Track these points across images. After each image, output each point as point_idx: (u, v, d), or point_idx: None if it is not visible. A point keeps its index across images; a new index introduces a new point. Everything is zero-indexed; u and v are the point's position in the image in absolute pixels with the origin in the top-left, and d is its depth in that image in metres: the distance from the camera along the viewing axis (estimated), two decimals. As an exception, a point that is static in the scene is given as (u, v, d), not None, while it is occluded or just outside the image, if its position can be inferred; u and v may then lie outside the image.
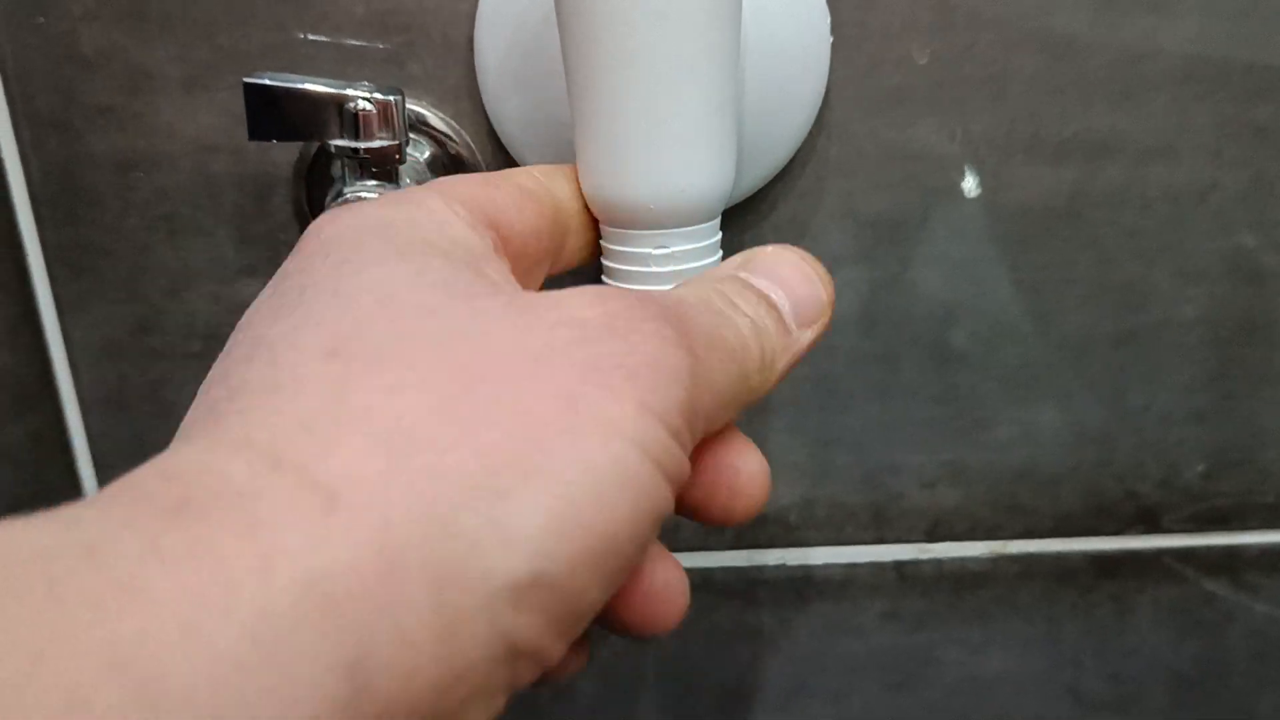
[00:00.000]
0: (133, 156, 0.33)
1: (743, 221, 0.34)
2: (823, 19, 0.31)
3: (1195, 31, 0.32)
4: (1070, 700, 0.42)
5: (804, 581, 0.40)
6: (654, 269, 0.28)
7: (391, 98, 0.30)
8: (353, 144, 0.30)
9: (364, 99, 0.29)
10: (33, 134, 0.33)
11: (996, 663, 0.41)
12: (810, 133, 0.33)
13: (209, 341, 0.36)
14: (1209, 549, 0.39)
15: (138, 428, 0.37)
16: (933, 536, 0.39)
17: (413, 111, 0.33)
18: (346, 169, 0.30)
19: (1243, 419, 0.37)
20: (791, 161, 0.33)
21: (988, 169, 0.34)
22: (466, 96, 0.33)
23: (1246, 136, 0.34)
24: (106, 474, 0.37)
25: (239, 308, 0.34)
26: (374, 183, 0.30)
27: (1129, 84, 0.33)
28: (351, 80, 0.31)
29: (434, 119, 0.33)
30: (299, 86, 0.29)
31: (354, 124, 0.30)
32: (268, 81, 0.29)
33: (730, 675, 0.41)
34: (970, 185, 0.34)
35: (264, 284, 0.36)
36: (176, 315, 0.35)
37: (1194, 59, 0.33)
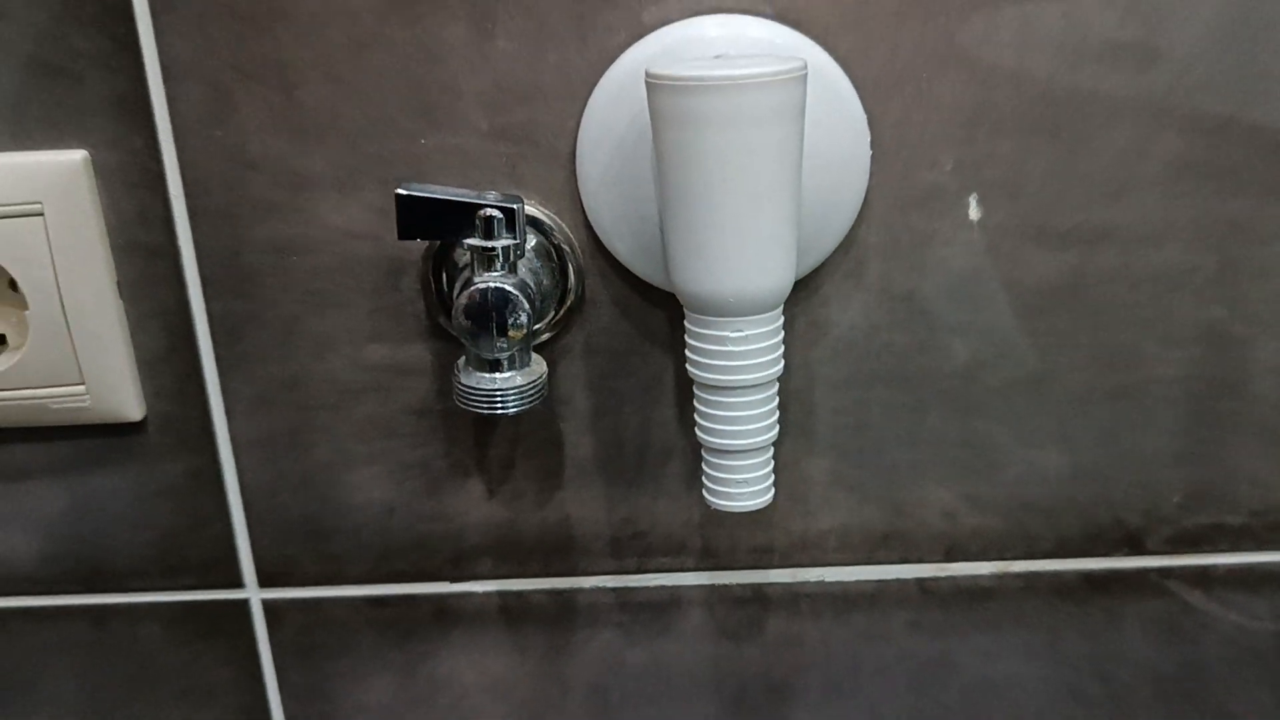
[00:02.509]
0: (289, 243, 0.39)
1: (796, 296, 0.39)
2: (864, 136, 0.37)
3: (1179, 142, 0.38)
4: (1069, 699, 0.47)
5: (840, 595, 0.45)
6: (730, 348, 0.34)
7: (514, 206, 0.35)
8: (483, 243, 0.35)
9: (493, 207, 0.35)
10: (205, 223, 0.39)
11: (1005, 666, 0.46)
12: (854, 225, 0.38)
13: (343, 396, 0.41)
14: (1185, 568, 0.44)
15: (281, 468, 0.42)
16: (950, 557, 0.44)
17: (522, 207, 0.38)
18: (476, 261, 0.35)
19: (1214, 459, 0.42)
20: (838, 248, 0.39)
21: (1003, 253, 0.39)
22: (567, 196, 0.38)
23: (1221, 227, 0.39)
24: (253, 506, 0.43)
25: (371, 368, 0.40)
26: (498, 273, 0.35)
27: (1122, 184, 0.38)
28: (481, 185, 0.36)
29: (540, 214, 0.38)
30: (440, 197, 0.35)
31: (486, 227, 0.35)
32: (416, 192, 0.35)
33: (777, 676, 0.46)
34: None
35: (392, 349, 0.42)
36: (318, 374, 0.41)
37: (1177, 164, 0.38)
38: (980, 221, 0.39)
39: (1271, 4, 0.36)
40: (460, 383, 0.36)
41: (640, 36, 0.36)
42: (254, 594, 0.45)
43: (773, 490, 0.36)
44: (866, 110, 0.37)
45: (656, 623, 0.45)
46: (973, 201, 0.39)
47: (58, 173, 0.37)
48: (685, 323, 0.35)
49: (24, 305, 0.39)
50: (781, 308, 0.34)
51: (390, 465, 0.42)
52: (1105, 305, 0.40)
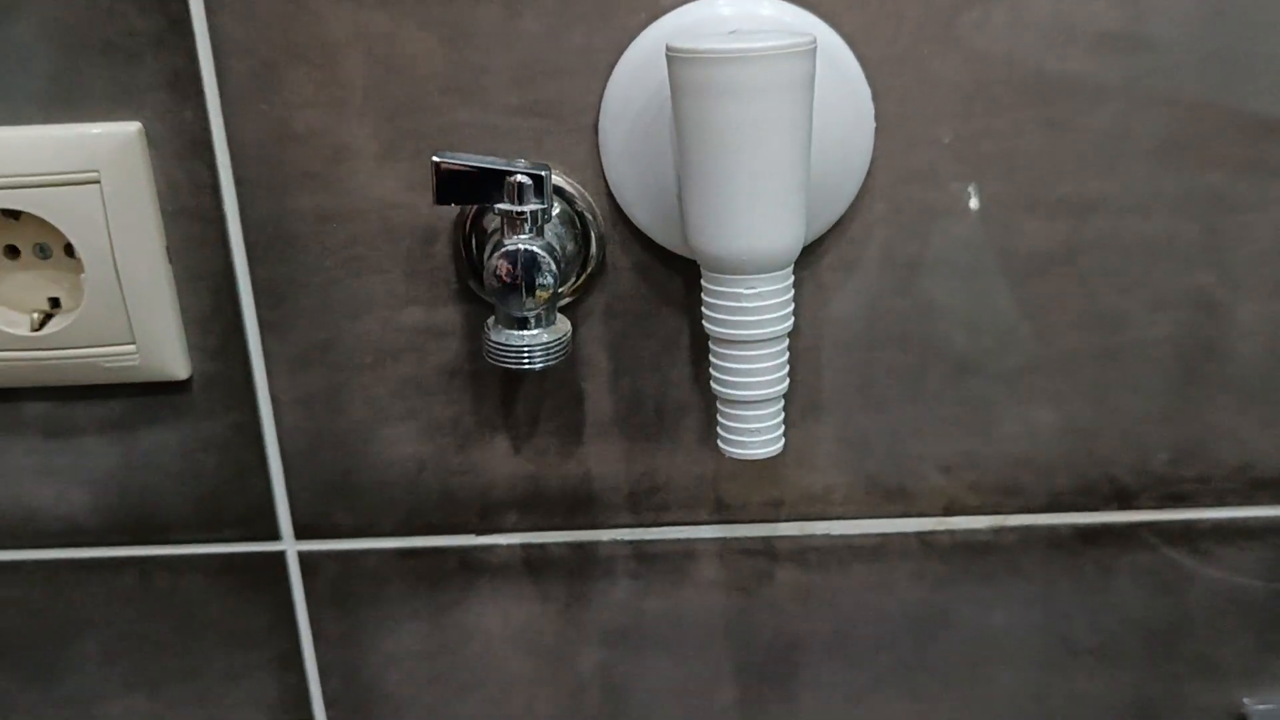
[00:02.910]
0: (330, 211, 0.41)
1: (805, 261, 0.42)
2: (868, 111, 0.39)
3: (1165, 117, 0.40)
4: (1061, 647, 0.49)
5: (845, 547, 0.47)
6: (744, 304, 0.36)
7: (543, 172, 0.37)
8: (513, 208, 0.37)
9: (522, 174, 0.37)
10: (251, 192, 0.41)
11: (1001, 615, 0.48)
12: (859, 195, 0.40)
13: (378, 355, 0.43)
14: (1172, 523, 0.46)
15: (318, 424, 0.44)
16: (949, 511, 0.46)
17: (548, 177, 0.40)
18: (505, 225, 0.38)
19: (1199, 418, 0.44)
20: (844, 216, 0.41)
21: (999, 222, 0.41)
22: (590, 167, 0.40)
23: (1203, 197, 0.41)
24: (291, 462, 0.45)
25: (404, 330, 0.43)
26: (526, 236, 0.38)
27: (1111, 158, 0.40)
28: (509, 157, 0.39)
29: (564, 184, 0.40)
30: (474, 165, 0.37)
31: (515, 192, 0.37)
32: (451, 160, 0.37)
33: (786, 625, 0.48)
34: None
35: (426, 311, 0.44)
36: (355, 336, 0.43)
37: (1161, 139, 0.40)
38: (980, 192, 0.41)
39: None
40: (490, 339, 0.39)
41: (658, 16, 0.39)
42: (290, 546, 0.47)
43: (783, 439, 0.39)
44: (871, 86, 0.39)
45: (672, 574, 0.47)
46: (972, 191, 0.41)
47: (113, 143, 0.40)
48: (702, 281, 0.37)
49: (79, 269, 0.41)
50: (791, 268, 0.37)
51: (422, 422, 0.44)
52: (1095, 271, 0.42)
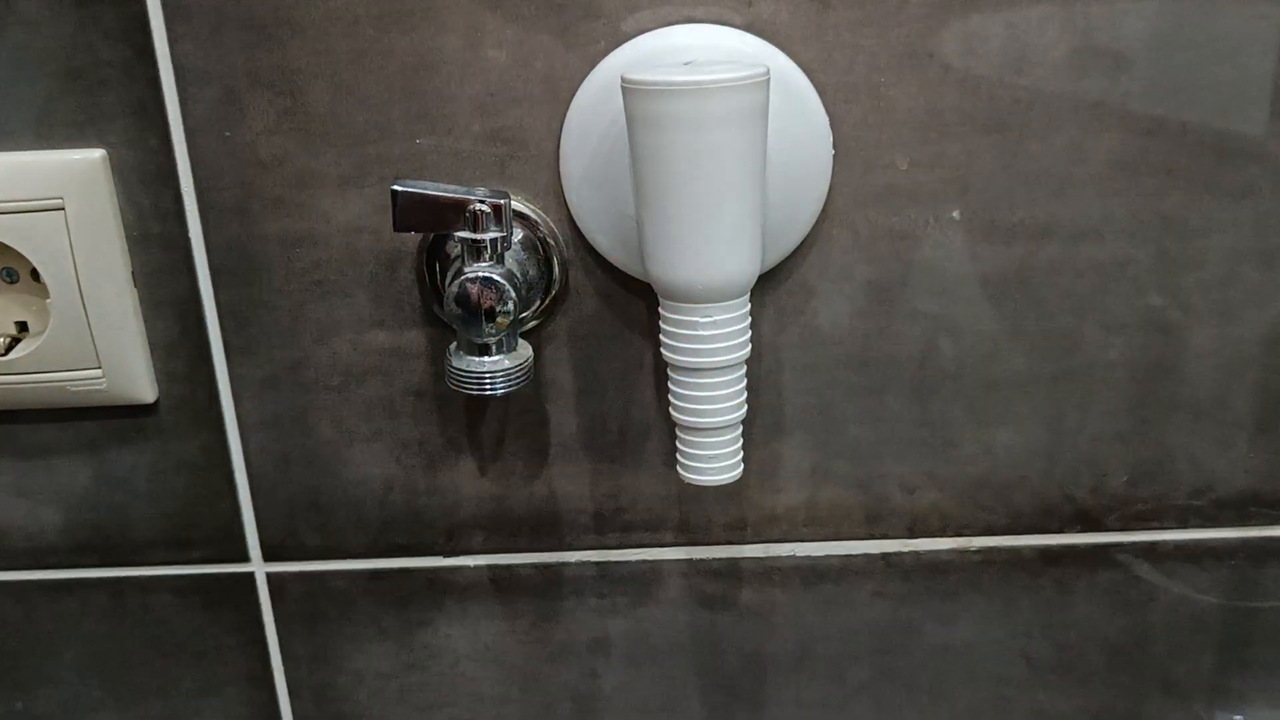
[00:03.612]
0: (296, 236, 0.41)
1: (766, 285, 0.42)
2: (826, 138, 0.39)
3: (1116, 143, 0.40)
4: (1023, 664, 0.49)
5: (810, 568, 0.47)
6: (701, 332, 0.36)
7: (501, 201, 0.37)
8: (472, 235, 0.37)
9: (480, 202, 0.37)
10: (215, 218, 0.41)
11: (964, 633, 0.48)
12: (818, 220, 0.40)
13: (345, 378, 0.43)
14: (1132, 543, 0.46)
15: (286, 445, 0.44)
16: (912, 533, 0.46)
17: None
18: (466, 252, 0.37)
19: (1156, 439, 0.44)
20: (803, 241, 0.41)
21: (955, 247, 0.41)
22: (552, 193, 0.40)
23: (1155, 222, 0.41)
24: (259, 484, 0.45)
25: (370, 352, 0.42)
26: (486, 264, 0.37)
27: (1064, 182, 0.40)
28: (472, 183, 0.39)
29: (526, 210, 0.40)
30: (433, 193, 0.37)
31: (474, 221, 0.37)
32: (410, 188, 0.37)
33: (751, 644, 0.48)
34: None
35: (391, 335, 0.43)
36: (322, 358, 0.43)
37: (1114, 163, 0.40)
38: (935, 216, 0.41)
39: (1198, 19, 0.38)
40: (452, 365, 0.39)
41: (618, 44, 0.38)
42: (259, 567, 0.46)
43: (741, 466, 0.38)
44: (828, 113, 0.39)
45: (637, 594, 0.47)
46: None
47: (78, 170, 0.39)
48: (659, 309, 0.37)
49: (45, 294, 0.41)
50: (748, 295, 0.37)
51: (389, 444, 0.44)
52: (1050, 294, 0.42)
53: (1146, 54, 0.39)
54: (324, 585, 0.47)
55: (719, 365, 0.36)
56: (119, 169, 0.40)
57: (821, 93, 0.39)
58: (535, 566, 0.47)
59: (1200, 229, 0.41)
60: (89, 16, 0.38)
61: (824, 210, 0.40)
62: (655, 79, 0.33)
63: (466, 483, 0.45)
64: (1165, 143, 0.40)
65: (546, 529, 0.46)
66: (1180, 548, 0.47)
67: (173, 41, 0.38)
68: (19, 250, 0.40)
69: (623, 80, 0.34)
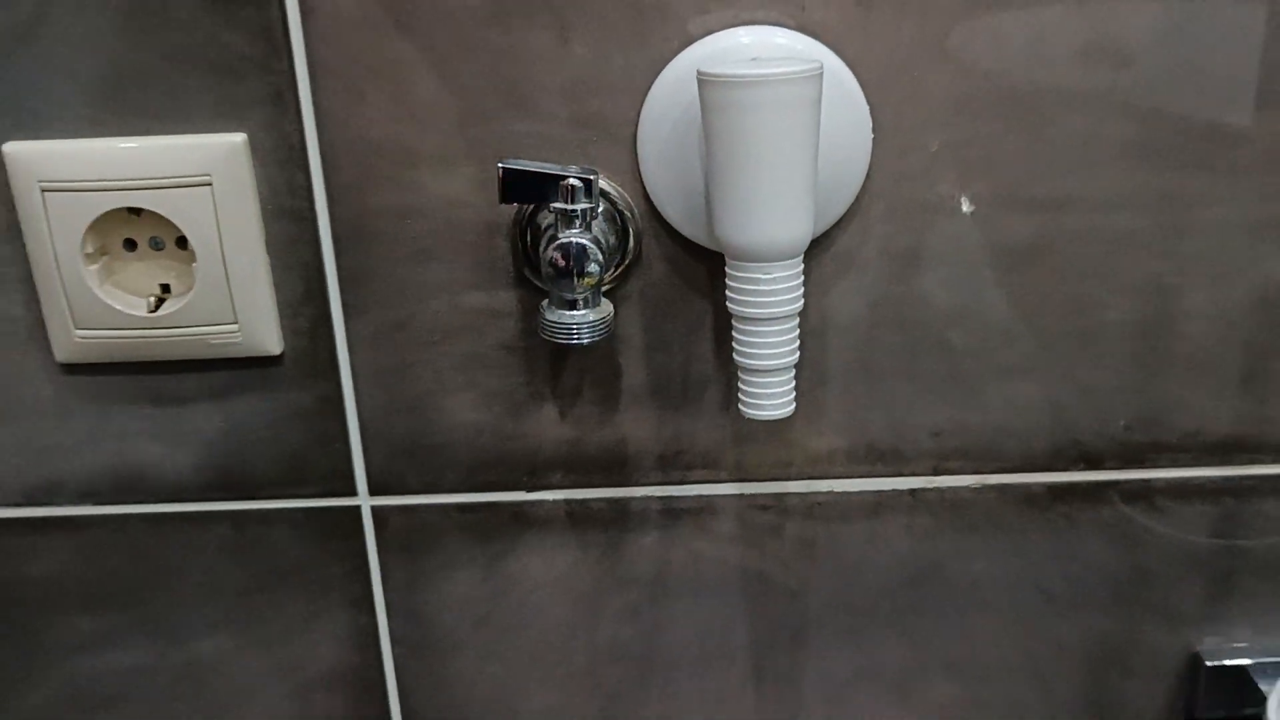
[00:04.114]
0: (405, 209, 0.46)
1: (813, 253, 0.47)
2: (867, 123, 0.44)
3: (1122, 128, 0.45)
4: (1035, 592, 0.54)
5: (847, 504, 0.52)
6: (762, 286, 0.41)
7: (591, 177, 0.42)
8: (566, 206, 0.43)
9: (574, 178, 0.42)
10: (338, 194, 0.46)
11: (983, 564, 0.53)
12: (859, 195, 0.46)
13: (444, 334, 0.49)
14: (1130, 481, 0.51)
15: (391, 394, 0.50)
16: (937, 471, 0.51)
17: (593, 180, 0.46)
18: (559, 221, 0.43)
19: (1154, 390, 0.49)
20: (846, 213, 0.46)
21: (982, 219, 0.46)
22: (629, 172, 0.46)
23: (1159, 195, 0.46)
24: (367, 428, 0.50)
25: (466, 312, 0.48)
26: (577, 230, 0.43)
27: (1080, 161, 0.45)
28: (561, 164, 0.44)
29: (607, 186, 0.46)
30: (533, 170, 0.42)
31: (568, 193, 0.42)
32: (514, 165, 0.42)
33: (794, 572, 0.53)
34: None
35: (485, 296, 0.49)
36: (425, 317, 0.48)
37: (1124, 145, 0.45)
38: (962, 192, 0.46)
39: (1199, 17, 0.43)
40: (545, 319, 0.44)
41: (688, 43, 0.44)
42: (365, 501, 0.52)
43: (794, 404, 0.44)
44: (869, 102, 0.44)
45: (695, 526, 0.53)
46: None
47: (222, 151, 0.45)
48: (726, 268, 0.42)
49: (188, 259, 0.47)
50: (801, 256, 0.42)
51: (481, 393, 0.50)
52: (1066, 261, 0.47)
53: (1149, 49, 0.44)
54: (420, 518, 0.52)
55: (777, 315, 0.41)
56: (257, 151, 0.46)
57: (863, 85, 0.44)
58: (606, 501, 0.52)
59: (1198, 202, 0.46)
60: (234, 19, 0.44)
61: (864, 186, 0.46)
62: (728, 72, 0.38)
63: (547, 427, 0.51)
64: (1164, 128, 0.45)
65: (616, 468, 0.51)
66: (1171, 485, 0.52)
67: (306, 40, 0.44)
68: (172, 221, 0.45)
69: (699, 73, 0.39)
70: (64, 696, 0.56)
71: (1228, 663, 0.55)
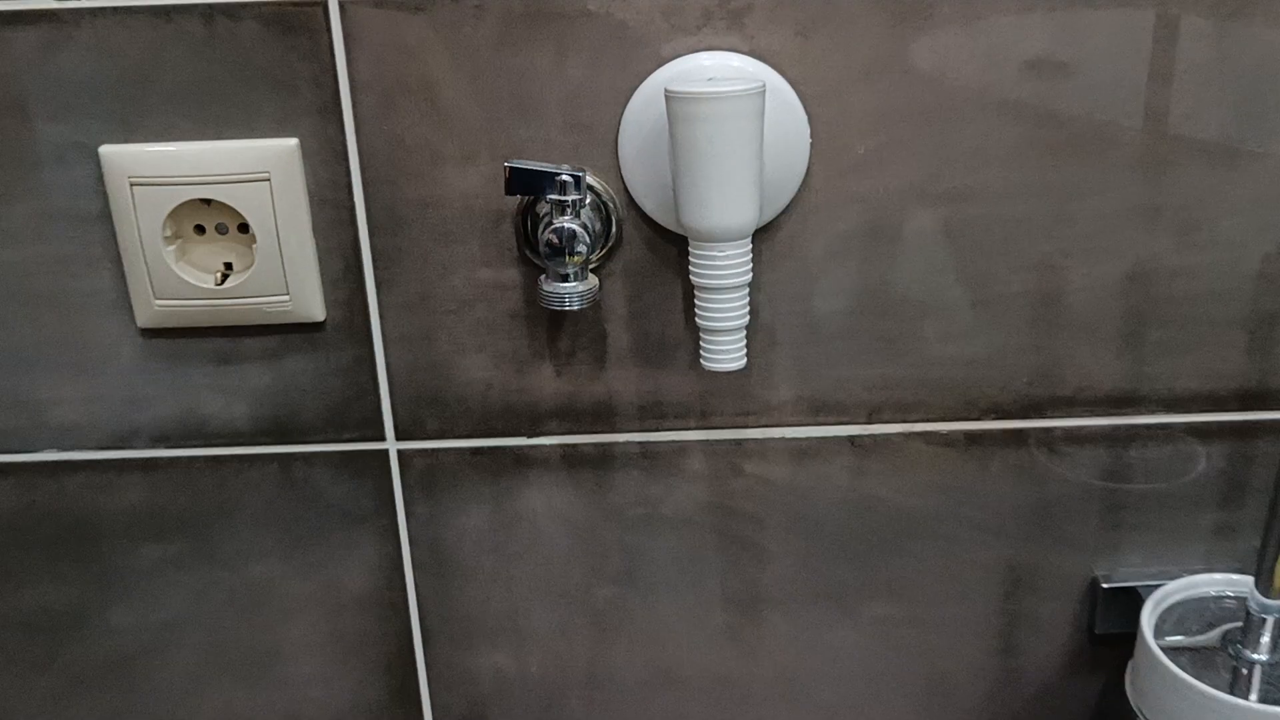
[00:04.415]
0: (428, 200, 0.56)
1: (763, 235, 0.57)
2: (805, 130, 0.54)
3: (1016, 131, 0.55)
4: (958, 524, 0.64)
5: (796, 448, 0.62)
6: (718, 261, 0.51)
7: (580, 173, 0.52)
8: (560, 197, 0.52)
9: (566, 175, 0.52)
10: (372, 188, 0.56)
11: (913, 499, 0.63)
12: (800, 189, 0.55)
13: (460, 304, 0.58)
14: (1033, 429, 0.61)
15: (415, 355, 0.59)
16: (871, 420, 0.61)
17: (582, 176, 0.55)
18: (554, 210, 0.53)
19: (1050, 351, 0.59)
20: (790, 203, 0.56)
21: (899, 208, 0.56)
22: (612, 169, 0.55)
23: (1047, 188, 0.56)
24: (395, 383, 0.60)
25: (479, 285, 0.58)
26: (568, 217, 0.52)
27: (981, 159, 0.55)
28: (556, 163, 0.54)
29: (593, 181, 0.55)
30: (533, 168, 0.52)
31: (561, 187, 0.52)
32: (518, 164, 0.52)
33: (752, 505, 0.63)
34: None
35: (494, 272, 0.58)
36: (444, 290, 0.58)
37: (1018, 144, 0.55)
38: (884, 186, 0.56)
39: (1078, 38, 0.53)
40: (543, 289, 0.54)
41: (660, 65, 0.53)
42: (392, 445, 0.62)
43: (745, 359, 0.54)
44: (807, 113, 0.54)
45: (669, 466, 0.62)
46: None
47: (279, 153, 0.55)
48: (689, 248, 0.52)
49: (248, 241, 0.56)
50: (750, 237, 0.52)
51: (490, 354, 0.59)
52: (972, 243, 0.57)
53: (1036, 65, 0.54)
54: (439, 459, 0.62)
55: (730, 285, 0.51)
56: (307, 152, 0.55)
57: (803, 100, 0.54)
58: (594, 445, 0.62)
59: (1078, 193, 0.56)
60: (291, 45, 0.53)
61: (804, 182, 0.55)
62: (690, 90, 0.48)
63: (545, 382, 0.60)
64: (1053, 131, 0.55)
65: (603, 417, 0.61)
66: (1068, 433, 0.62)
67: (349, 62, 0.53)
68: (238, 210, 0.55)
69: (666, 91, 0.49)
70: (137, 613, 0.66)
71: (1120, 584, 0.65)
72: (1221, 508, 0.64)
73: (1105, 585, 0.65)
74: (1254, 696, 0.56)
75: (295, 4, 0.52)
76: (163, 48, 0.53)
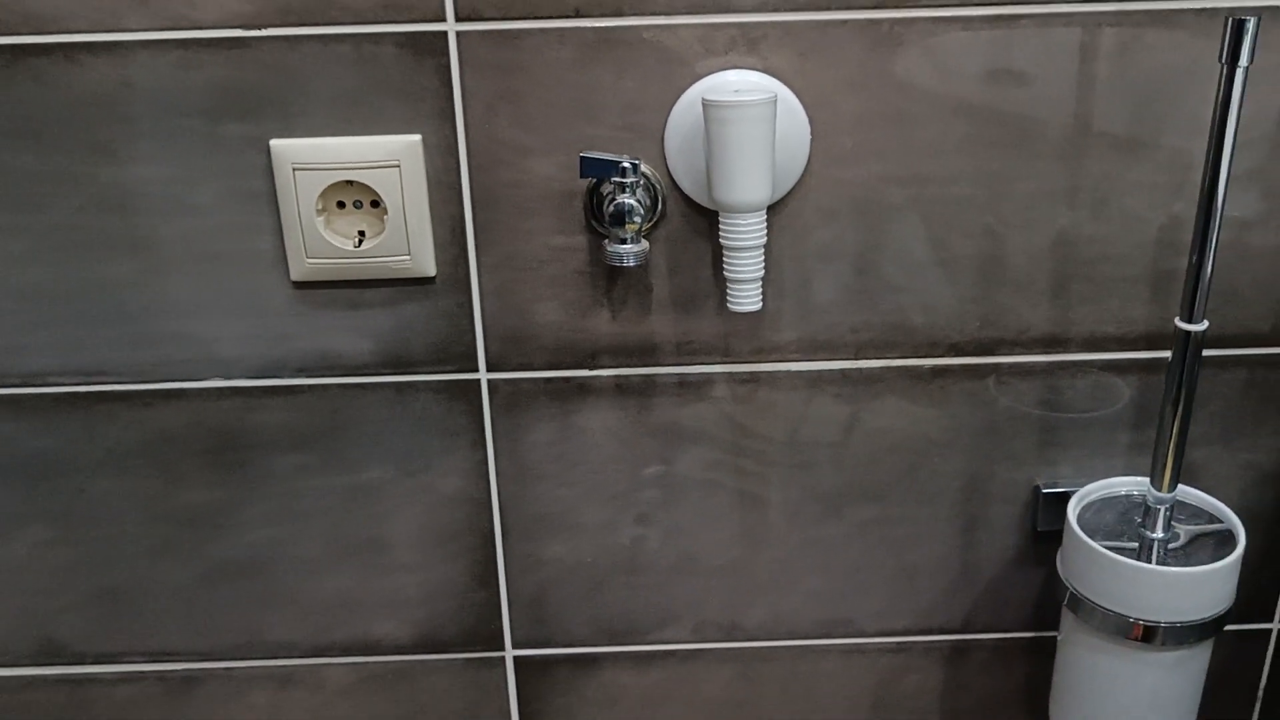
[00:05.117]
0: (516, 182, 0.72)
1: (773, 210, 0.73)
2: (806, 129, 0.70)
3: (965, 128, 0.71)
4: (924, 441, 0.80)
5: (798, 378, 0.78)
6: (740, 227, 0.68)
7: (638, 162, 0.69)
8: (621, 180, 0.69)
9: (626, 163, 0.68)
10: (475, 173, 0.72)
11: (888, 420, 0.79)
12: (802, 174, 0.72)
13: (539, 264, 0.74)
14: (983, 364, 0.78)
15: (504, 304, 0.76)
16: (857, 357, 0.78)
17: (635, 164, 0.72)
18: (616, 190, 0.69)
19: (994, 302, 0.76)
20: (795, 185, 0.72)
21: (877, 189, 0.72)
22: (660, 159, 0.72)
23: (990, 173, 0.72)
24: (488, 326, 0.76)
25: (553, 249, 0.75)
26: (627, 195, 0.69)
27: (936, 150, 0.71)
28: (618, 154, 0.70)
29: (646, 169, 0.72)
30: (602, 157, 0.68)
31: (621, 172, 0.68)
32: (590, 154, 0.68)
33: (764, 425, 0.79)
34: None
35: (565, 238, 0.75)
36: (526, 252, 0.74)
37: (963, 140, 0.71)
38: (867, 171, 0.72)
39: (1012, 51, 0.69)
40: (607, 250, 0.70)
41: (696, 80, 0.70)
42: (483, 375, 0.78)
43: (761, 303, 0.70)
44: (808, 117, 0.70)
45: (698, 393, 0.79)
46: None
47: (406, 146, 0.71)
48: (719, 218, 0.68)
49: (382, 214, 0.73)
50: (765, 210, 0.68)
51: (560, 302, 0.76)
52: (931, 216, 0.73)
53: (981, 76, 0.70)
54: (519, 387, 0.78)
55: (750, 245, 0.68)
56: (427, 146, 0.72)
57: (805, 106, 0.70)
58: (640, 376, 0.78)
59: (1014, 177, 0.72)
60: (417, 62, 0.70)
61: (806, 169, 0.72)
62: (721, 99, 0.64)
63: (602, 325, 0.77)
64: (994, 127, 0.71)
65: (647, 353, 0.77)
66: (1012, 368, 0.78)
67: (461, 78, 0.70)
68: (374, 189, 0.71)
69: (703, 100, 0.65)
70: (277, 508, 0.82)
71: (1057, 490, 0.81)
72: (1134, 428, 0.80)
73: (1044, 491, 0.81)
74: (1154, 562, 0.72)
75: (423, 32, 0.69)
76: (321, 65, 0.70)
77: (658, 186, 0.72)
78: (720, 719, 0.89)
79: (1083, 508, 0.78)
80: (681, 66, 0.70)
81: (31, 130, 0.71)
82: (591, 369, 0.78)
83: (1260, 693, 0.89)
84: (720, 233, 0.69)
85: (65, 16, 0.68)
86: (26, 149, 0.71)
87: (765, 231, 0.69)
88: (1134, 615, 0.71)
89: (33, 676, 0.87)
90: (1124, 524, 0.76)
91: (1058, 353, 0.78)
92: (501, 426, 0.80)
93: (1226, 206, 0.68)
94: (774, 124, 0.66)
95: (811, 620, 0.86)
